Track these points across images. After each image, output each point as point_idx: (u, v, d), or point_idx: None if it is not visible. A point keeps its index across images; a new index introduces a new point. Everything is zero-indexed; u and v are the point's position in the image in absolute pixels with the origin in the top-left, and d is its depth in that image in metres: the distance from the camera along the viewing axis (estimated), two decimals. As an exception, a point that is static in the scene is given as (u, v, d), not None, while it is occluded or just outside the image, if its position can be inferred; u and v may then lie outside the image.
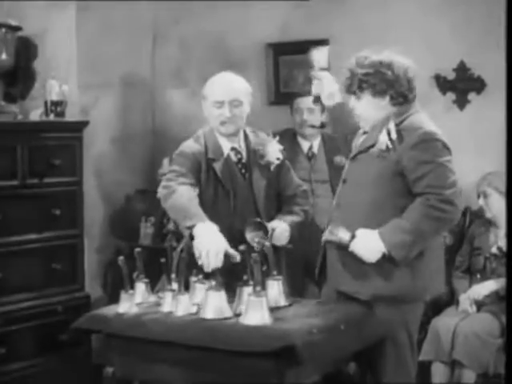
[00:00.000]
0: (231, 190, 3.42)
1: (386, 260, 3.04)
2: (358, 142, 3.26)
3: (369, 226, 3.07)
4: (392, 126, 3.08)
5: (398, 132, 3.07)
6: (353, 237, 3.06)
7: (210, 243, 3.01)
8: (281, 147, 3.51)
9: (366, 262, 3.07)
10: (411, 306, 3.18)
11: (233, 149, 3.49)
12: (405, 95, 3.13)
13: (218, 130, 3.47)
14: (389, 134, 3.08)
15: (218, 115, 3.41)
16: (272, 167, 3.48)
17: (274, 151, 3.49)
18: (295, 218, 3.46)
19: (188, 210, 3.17)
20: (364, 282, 3.10)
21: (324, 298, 3.34)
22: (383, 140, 3.08)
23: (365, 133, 3.25)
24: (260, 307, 2.87)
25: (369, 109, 3.15)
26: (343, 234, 3.08)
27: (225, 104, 3.40)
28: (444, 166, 3.04)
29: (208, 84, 3.49)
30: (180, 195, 3.24)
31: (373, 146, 3.13)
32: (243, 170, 3.48)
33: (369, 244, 3.04)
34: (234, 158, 3.47)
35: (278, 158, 3.48)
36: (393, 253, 3.01)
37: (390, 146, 3.06)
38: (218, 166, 3.43)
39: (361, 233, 3.06)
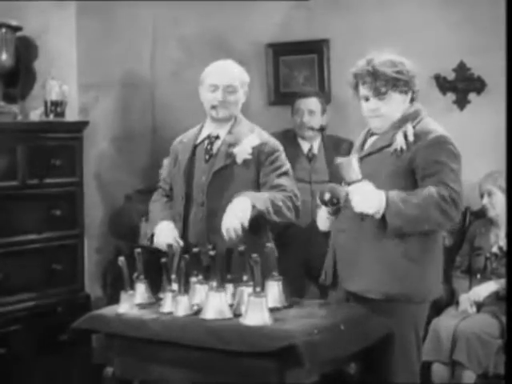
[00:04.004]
0: (186, 171, 3.52)
1: (378, 230, 3.00)
2: (367, 144, 3.26)
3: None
4: (410, 128, 3.12)
5: (415, 134, 3.10)
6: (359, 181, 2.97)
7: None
8: (249, 150, 3.45)
9: (353, 259, 3.03)
10: (419, 307, 3.19)
11: (208, 137, 3.55)
12: (417, 91, 3.21)
13: (210, 115, 3.53)
14: (405, 136, 3.10)
15: (212, 99, 3.48)
16: (239, 161, 3.46)
17: (243, 150, 3.46)
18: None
19: None
20: (375, 282, 3.09)
21: (334, 301, 3.29)
22: (400, 141, 3.10)
23: (372, 135, 3.26)
24: (260, 308, 2.87)
25: (395, 107, 3.16)
26: (356, 174, 2.96)
27: (219, 88, 3.46)
28: (454, 171, 3.08)
29: (206, 69, 3.57)
30: None
31: (386, 146, 3.14)
32: (207, 157, 3.52)
33: (370, 194, 2.95)
34: (205, 144, 3.54)
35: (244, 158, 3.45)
36: (387, 216, 2.93)
37: (405, 148, 3.09)
38: (187, 150, 3.56)
39: (368, 183, 2.98)
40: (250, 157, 3.46)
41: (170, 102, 5.55)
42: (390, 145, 3.13)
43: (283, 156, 3.53)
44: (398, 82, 3.12)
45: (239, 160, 3.45)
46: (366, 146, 3.25)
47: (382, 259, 3.09)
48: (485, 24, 4.55)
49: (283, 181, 3.46)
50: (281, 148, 3.54)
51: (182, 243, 3.41)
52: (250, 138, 3.48)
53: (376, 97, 3.14)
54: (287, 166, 3.54)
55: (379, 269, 3.09)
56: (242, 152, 3.45)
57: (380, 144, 3.18)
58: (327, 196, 3.13)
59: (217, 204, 3.43)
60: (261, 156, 3.47)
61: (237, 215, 3.23)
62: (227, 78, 3.47)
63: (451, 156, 3.09)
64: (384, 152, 3.14)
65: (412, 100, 3.20)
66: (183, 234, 3.50)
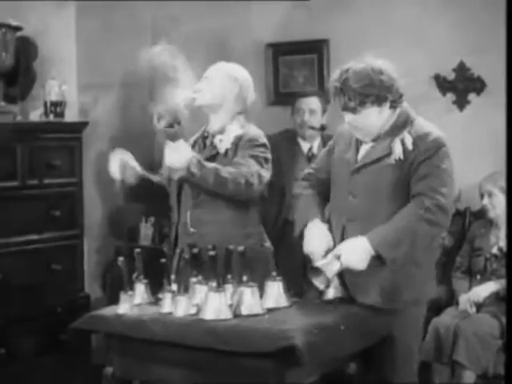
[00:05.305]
0: None
1: (377, 261, 2.96)
2: (359, 153, 3.15)
3: None
4: (408, 136, 3.03)
5: (413, 142, 3.03)
6: (338, 257, 2.95)
7: None
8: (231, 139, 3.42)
9: (362, 271, 2.96)
10: (418, 307, 3.18)
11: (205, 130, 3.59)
12: (401, 95, 3.08)
13: None
14: (403, 144, 3.03)
15: None
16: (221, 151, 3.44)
17: (225, 140, 3.44)
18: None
19: None
20: (388, 291, 3.05)
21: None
22: (399, 151, 3.02)
23: (360, 143, 3.15)
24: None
25: (371, 119, 3.05)
26: (335, 265, 2.95)
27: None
28: (447, 171, 3.01)
29: None
30: None
31: (384, 156, 3.05)
32: (202, 146, 3.55)
33: (356, 250, 2.94)
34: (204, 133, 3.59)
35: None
36: (380, 251, 2.92)
37: (402, 158, 3.02)
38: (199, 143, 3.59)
39: (345, 245, 2.98)
40: (230, 146, 3.41)
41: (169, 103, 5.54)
42: (388, 155, 3.04)
43: (262, 148, 3.42)
44: (367, 98, 2.99)
45: (221, 150, 3.42)
46: (360, 156, 3.14)
47: (391, 268, 3.03)
48: (485, 24, 4.55)
49: (245, 161, 3.33)
50: (263, 140, 3.45)
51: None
52: (232, 128, 3.46)
53: (347, 111, 3.05)
54: (262, 153, 3.40)
55: (390, 278, 3.05)
56: (224, 141, 3.43)
57: (376, 154, 3.08)
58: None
59: (199, 197, 3.44)
60: (240, 144, 3.41)
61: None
62: (210, 70, 3.60)
63: (444, 157, 3.01)
64: (382, 163, 3.06)
65: (393, 107, 3.07)
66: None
